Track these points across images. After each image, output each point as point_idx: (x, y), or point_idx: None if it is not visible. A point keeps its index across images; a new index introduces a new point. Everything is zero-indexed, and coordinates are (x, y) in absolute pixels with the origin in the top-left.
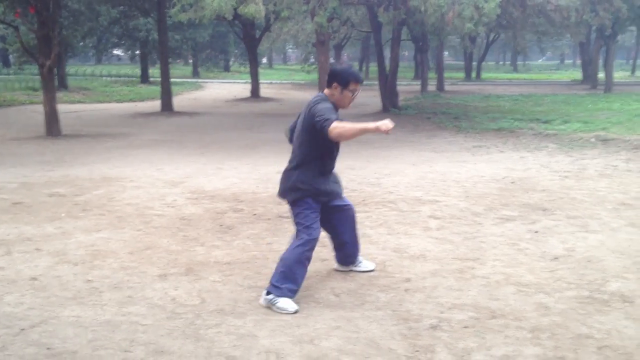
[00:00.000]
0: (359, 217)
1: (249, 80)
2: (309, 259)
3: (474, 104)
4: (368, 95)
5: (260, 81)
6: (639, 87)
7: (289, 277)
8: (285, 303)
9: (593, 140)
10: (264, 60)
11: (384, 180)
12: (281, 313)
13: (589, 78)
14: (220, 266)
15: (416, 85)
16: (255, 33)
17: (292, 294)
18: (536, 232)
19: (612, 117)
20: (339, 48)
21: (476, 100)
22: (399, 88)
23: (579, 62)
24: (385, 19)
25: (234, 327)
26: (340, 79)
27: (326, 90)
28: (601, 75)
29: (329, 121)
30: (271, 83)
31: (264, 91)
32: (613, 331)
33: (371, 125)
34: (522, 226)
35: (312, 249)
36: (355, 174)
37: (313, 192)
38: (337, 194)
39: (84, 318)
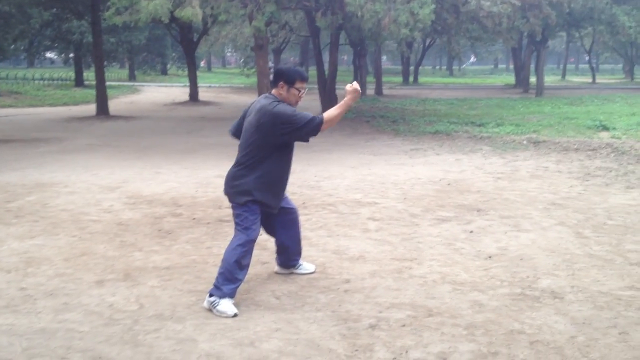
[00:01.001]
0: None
1: (187, 84)
2: (247, 259)
3: (412, 107)
4: (307, 99)
5: (199, 85)
6: (568, 91)
7: (229, 277)
8: (225, 306)
9: (525, 142)
10: (203, 63)
11: (323, 183)
12: (220, 316)
13: (521, 82)
14: (159, 271)
15: None
16: (193, 36)
17: (232, 293)
18: (471, 232)
19: (543, 120)
20: (278, 52)
21: (413, 104)
22: (338, 92)
23: (512, 66)
24: (323, 23)
25: (173, 331)
26: (286, 78)
27: (273, 91)
28: (533, 79)
29: (314, 121)
30: (210, 87)
31: (203, 95)
32: (544, 326)
33: (348, 99)
34: (458, 226)
35: (250, 249)
36: (295, 177)
37: (262, 202)
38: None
39: (17, 326)
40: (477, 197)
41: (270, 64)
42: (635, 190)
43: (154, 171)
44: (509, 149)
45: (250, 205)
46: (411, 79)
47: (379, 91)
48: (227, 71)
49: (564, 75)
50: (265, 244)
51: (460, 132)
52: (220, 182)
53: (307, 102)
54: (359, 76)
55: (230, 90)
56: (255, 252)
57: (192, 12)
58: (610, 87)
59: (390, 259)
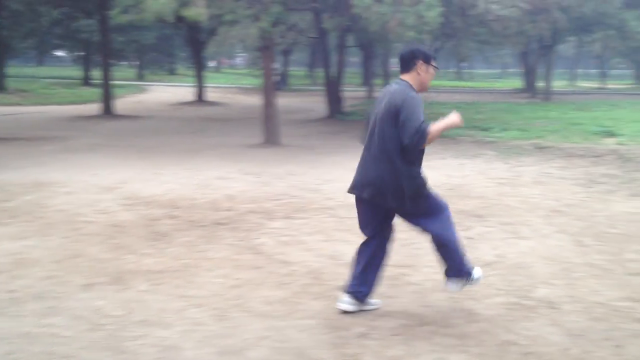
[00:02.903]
0: (297, 224)
1: (195, 84)
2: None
3: None
4: (314, 101)
5: (207, 85)
6: (577, 96)
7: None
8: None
9: (530, 147)
10: (213, 63)
11: (324, 187)
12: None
13: (529, 87)
14: (150, 275)
15: (363, 92)
16: (200, 36)
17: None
18: (470, 238)
19: (549, 125)
20: (287, 53)
21: None
22: (347, 94)
23: (520, 70)
24: (330, 25)
25: (159, 338)
26: (424, 56)
27: (406, 76)
28: (541, 84)
29: (424, 131)
30: (218, 87)
31: (210, 95)
32: (538, 337)
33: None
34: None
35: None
36: (296, 180)
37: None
38: None
39: (2, 329)
40: (478, 202)
41: (276, 65)
42: (638, 198)
43: (155, 172)
44: (513, 154)
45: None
46: None
47: None
48: (236, 72)
49: (572, 80)
50: (261, 248)
51: (464, 137)
52: (220, 184)
53: (313, 104)
54: (367, 78)
55: (238, 91)
56: (248, 256)
57: (197, 11)
58: (619, 92)
59: (386, 265)
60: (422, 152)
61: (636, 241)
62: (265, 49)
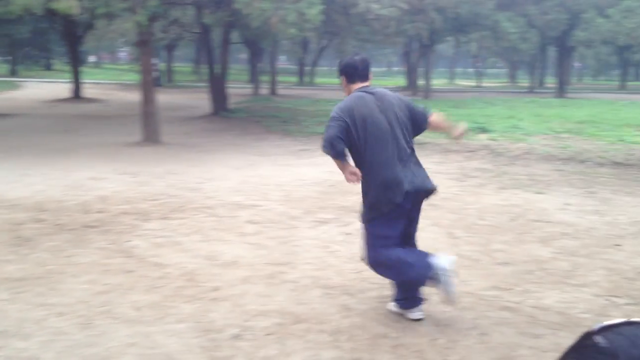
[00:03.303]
0: (173, 224)
1: (72, 80)
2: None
3: (304, 108)
4: (199, 98)
5: (85, 81)
6: (455, 94)
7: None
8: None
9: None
10: (93, 58)
11: (205, 185)
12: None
13: (411, 85)
14: (11, 283)
15: (250, 89)
16: (77, 30)
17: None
18: (348, 234)
19: None
20: (171, 48)
21: (306, 105)
22: (233, 91)
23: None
24: (211, 20)
25: (16, 350)
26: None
27: (368, 83)
28: (423, 82)
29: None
30: (97, 83)
31: (89, 92)
32: (407, 329)
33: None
34: (336, 228)
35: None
36: (175, 179)
37: None
38: None
39: None
40: (358, 198)
41: (154, 61)
42: (506, 190)
43: (22, 173)
44: None
45: None
46: (308, 79)
47: (273, 91)
48: (118, 67)
49: (452, 79)
50: (133, 251)
51: None
52: (93, 185)
53: (198, 101)
54: (254, 75)
55: (119, 87)
56: (119, 260)
57: (68, 4)
58: (494, 90)
59: (264, 264)
60: None
61: (503, 232)
62: (142, 44)
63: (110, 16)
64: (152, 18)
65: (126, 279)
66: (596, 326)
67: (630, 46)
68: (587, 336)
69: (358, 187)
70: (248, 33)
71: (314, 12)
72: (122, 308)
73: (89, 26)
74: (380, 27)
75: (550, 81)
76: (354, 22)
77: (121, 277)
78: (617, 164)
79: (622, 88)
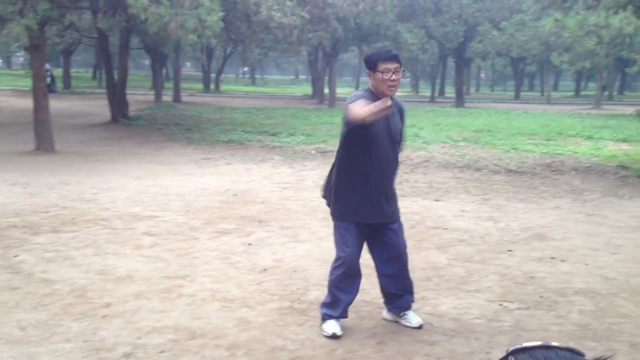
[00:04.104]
0: (65, 238)
1: None
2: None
3: (208, 115)
4: (99, 105)
5: None
6: None
7: None
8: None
9: (314, 152)
10: None
11: (101, 196)
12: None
13: (316, 93)
14: None
15: (153, 96)
16: None
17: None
18: (249, 244)
19: (332, 130)
20: (68, 53)
21: (210, 112)
22: (134, 98)
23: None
24: (105, 25)
25: None
26: (368, 64)
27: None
28: (328, 90)
29: (348, 104)
30: None
31: None
32: (307, 341)
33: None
34: (237, 239)
35: None
36: (69, 190)
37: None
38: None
39: None
40: (261, 207)
41: (47, 67)
42: (407, 198)
43: None
44: (298, 159)
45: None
46: (213, 86)
47: (177, 98)
48: (13, 73)
49: (357, 87)
50: (20, 267)
51: (253, 142)
52: None
53: (97, 108)
54: (156, 81)
55: (12, 94)
56: (4, 276)
57: None
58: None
59: (160, 278)
60: None
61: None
62: (34, 49)
63: (0, 20)
64: (43, 22)
65: (11, 297)
66: (512, 347)
67: (523, 58)
68: (505, 357)
69: (261, 196)
70: (147, 39)
71: (214, 18)
72: (6, 328)
73: None
74: (283, 35)
75: (450, 91)
76: (257, 30)
77: (6, 295)
78: (510, 172)
79: (516, 98)
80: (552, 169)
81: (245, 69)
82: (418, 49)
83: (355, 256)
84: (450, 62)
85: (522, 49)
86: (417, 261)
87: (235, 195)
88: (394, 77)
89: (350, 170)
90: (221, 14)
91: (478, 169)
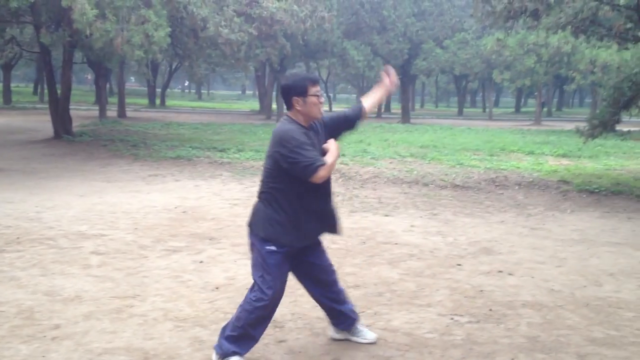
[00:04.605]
0: (9, 258)
1: None
2: None
3: (155, 131)
4: (41, 120)
5: None
6: None
7: None
8: None
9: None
10: None
11: (45, 215)
12: None
13: (264, 109)
14: None
15: (96, 111)
16: None
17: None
18: (201, 262)
19: None
20: (8, 68)
21: (157, 128)
22: (78, 113)
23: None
24: (48, 40)
25: None
26: (298, 90)
27: (289, 113)
28: (275, 106)
29: (312, 166)
30: None
31: None
32: (261, 358)
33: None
34: (188, 257)
35: None
36: (12, 208)
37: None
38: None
39: None
40: (212, 224)
41: None
42: (357, 214)
43: None
44: (247, 175)
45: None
46: (158, 101)
47: (121, 113)
48: None
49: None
50: None
51: (202, 158)
52: None
53: (39, 124)
54: (100, 97)
55: None
56: None
57: None
58: None
59: (110, 298)
60: None
61: (354, 255)
62: None
63: None
64: None
65: None
66: None
67: (466, 75)
68: None
69: (212, 212)
70: (91, 54)
71: (161, 34)
72: None
73: None
74: (231, 51)
75: (396, 107)
76: (204, 46)
77: None
78: (457, 187)
79: (460, 114)
80: (497, 183)
81: (186, 83)
82: (364, 65)
83: (282, 292)
84: None
85: (465, 67)
86: (369, 276)
87: (184, 212)
88: (322, 99)
89: (292, 198)
90: (168, 29)
91: (426, 184)
